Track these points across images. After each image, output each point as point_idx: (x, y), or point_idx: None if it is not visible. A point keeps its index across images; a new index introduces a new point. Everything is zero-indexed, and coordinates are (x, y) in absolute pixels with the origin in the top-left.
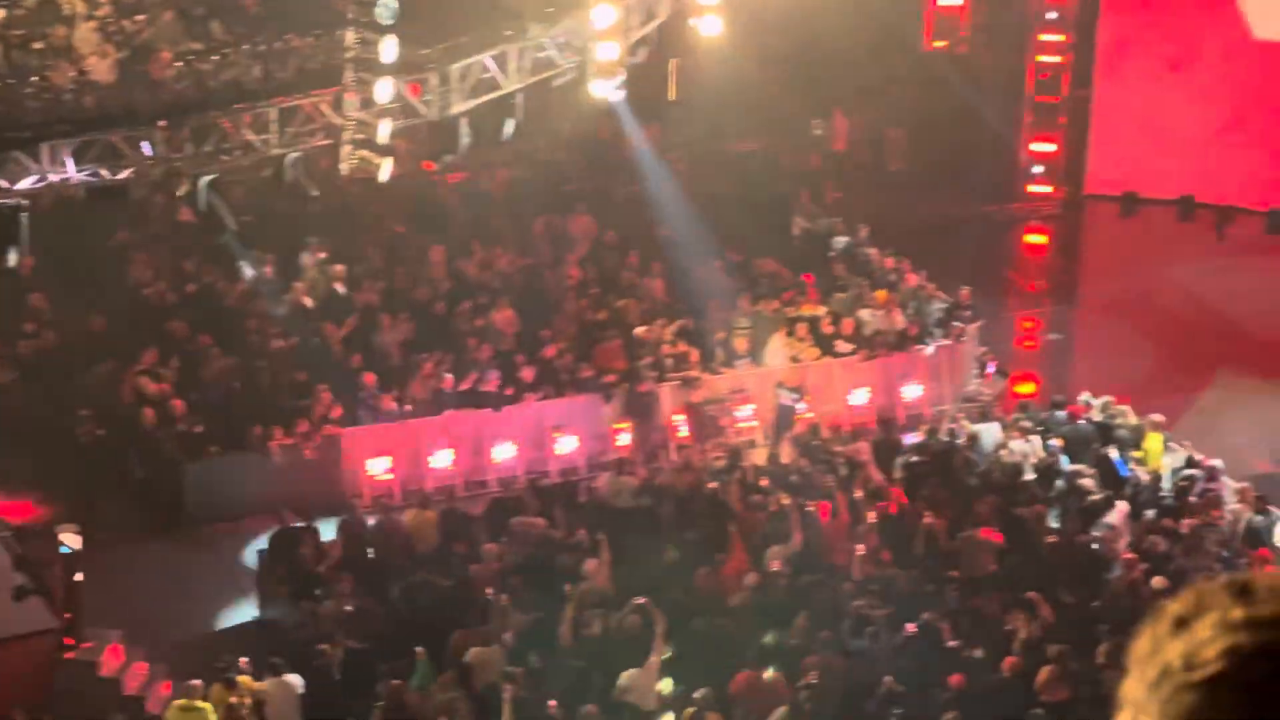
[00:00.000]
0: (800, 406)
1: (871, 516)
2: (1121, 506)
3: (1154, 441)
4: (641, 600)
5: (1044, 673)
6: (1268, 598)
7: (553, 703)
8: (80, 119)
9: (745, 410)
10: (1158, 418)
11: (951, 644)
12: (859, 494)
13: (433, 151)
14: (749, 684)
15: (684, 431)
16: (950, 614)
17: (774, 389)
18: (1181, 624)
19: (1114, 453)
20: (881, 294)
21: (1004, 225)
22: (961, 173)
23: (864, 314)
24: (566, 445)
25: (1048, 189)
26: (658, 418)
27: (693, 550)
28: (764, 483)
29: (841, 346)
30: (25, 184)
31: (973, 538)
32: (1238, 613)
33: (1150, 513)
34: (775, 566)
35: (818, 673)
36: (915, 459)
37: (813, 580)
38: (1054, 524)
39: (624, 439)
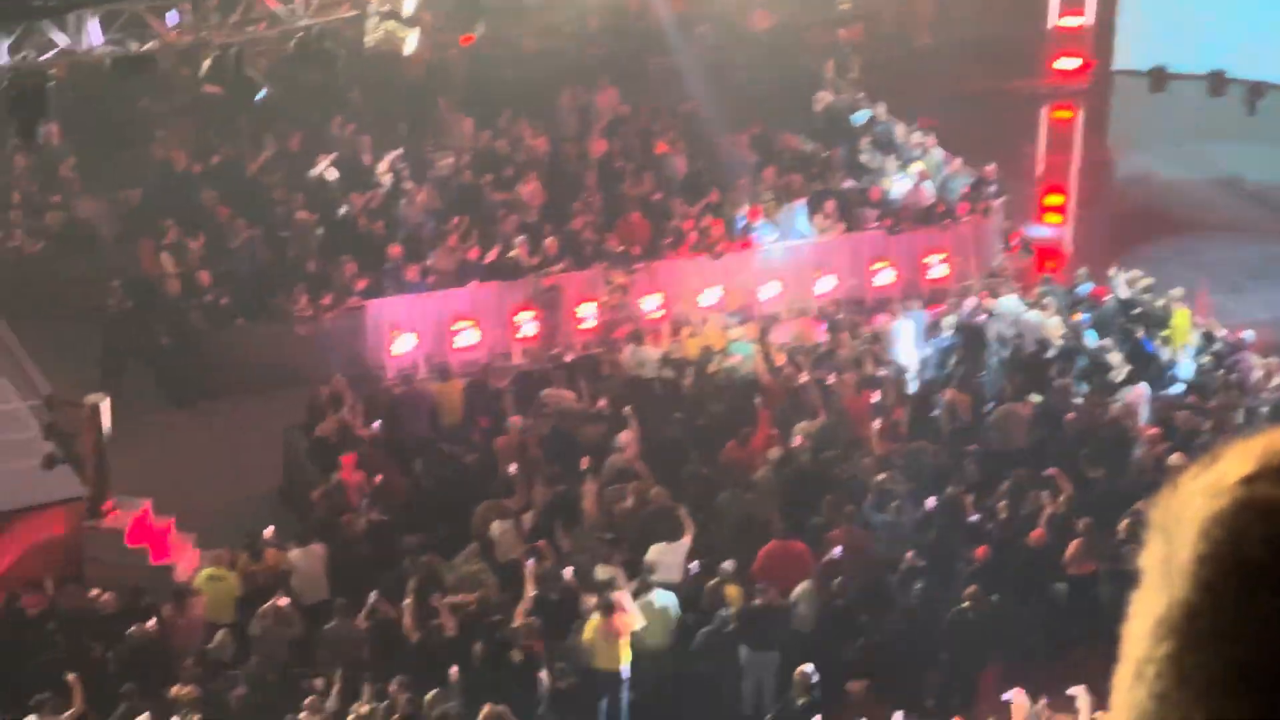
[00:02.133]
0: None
1: (894, 391)
2: (1140, 385)
3: (1181, 318)
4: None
5: (1073, 546)
6: None
7: (569, 571)
8: None
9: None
10: (1177, 292)
11: (973, 518)
12: (882, 369)
13: (468, 23)
14: (773, 558)
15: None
16: (973, 488)
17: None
18: (1201, 472)
19: (1140, 330)
20: (916, 165)
21: (1031, 100)
22: (989, 47)
23: (889, 187)
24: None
25: (1075, 63)
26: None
27: (718, 423)
28: (784, 359)
29: (867, 218)
30: (51, 55)
31: (1009, 411)
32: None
33: (1177, 389)
34: (798, 441)
35: (841, 547)
36: (940, 333)
37: (835, 455)
38: (1078, 400)
39: (657, 312)
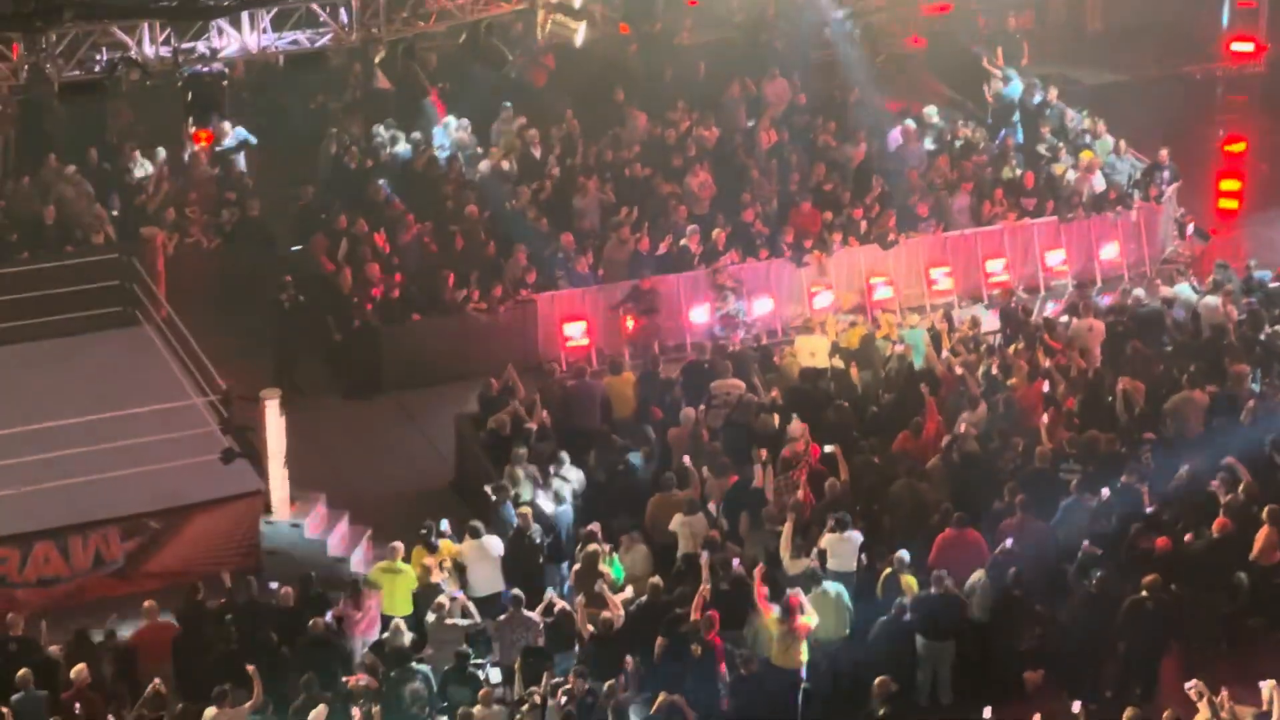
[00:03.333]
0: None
1: (1063, 382)
2: None
3: None
4: (831, 449)
5: (1262, 535)
6: None
7: (737, 561)
8: None
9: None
10: None
11: (1150, 508)
12: (1051, 359)
13: (629, 14)
14: (949, 547)
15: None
16: (1149, 477)
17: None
18: None
19: None
20: (1087, 154)
21: (1205, 84)
22: (1161, 32)
23: (1061, 174)
24: (761, 308)
25: (1249, 46)
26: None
27: (890, 413)
28: (955, 348)
29: (1037, 206)
30: (227, 52)
31: (1187, 398)
32: None
33: None
34: (963, 429)
35: (1016, 537)
36: (1113, 320)
37: (1005, 445)
38: (1255, 386)
39: (822, 300)
